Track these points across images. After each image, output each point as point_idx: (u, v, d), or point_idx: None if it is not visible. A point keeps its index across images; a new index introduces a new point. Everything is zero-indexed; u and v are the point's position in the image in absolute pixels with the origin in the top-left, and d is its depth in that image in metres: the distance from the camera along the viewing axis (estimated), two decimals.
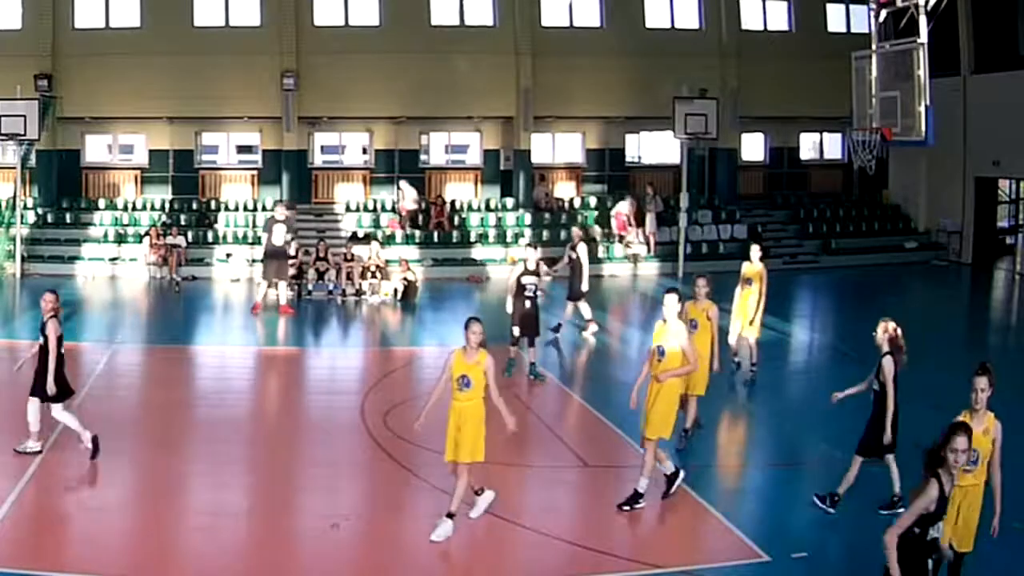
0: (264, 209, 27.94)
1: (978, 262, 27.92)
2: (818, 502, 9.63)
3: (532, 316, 14.66)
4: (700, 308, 11.87)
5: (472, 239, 27.26)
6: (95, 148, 29.06)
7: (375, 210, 28.14)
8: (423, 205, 27.72)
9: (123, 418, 12.93)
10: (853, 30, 29.56)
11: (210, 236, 26.53)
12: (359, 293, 22.67)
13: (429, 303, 22.36)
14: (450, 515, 8.93)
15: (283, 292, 20.44)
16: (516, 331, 14.64)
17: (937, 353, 17.64)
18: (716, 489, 10.35)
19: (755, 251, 15.09)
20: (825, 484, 10.85)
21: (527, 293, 14.52)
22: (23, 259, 24.66)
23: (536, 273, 14.63)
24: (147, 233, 25.59)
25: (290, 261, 21.27)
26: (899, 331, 9.32)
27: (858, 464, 9.46)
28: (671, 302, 9.71)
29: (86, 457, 10.78)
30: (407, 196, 27.48)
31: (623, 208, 27.44)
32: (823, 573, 8.40)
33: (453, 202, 28.60)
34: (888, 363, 9.24)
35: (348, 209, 28.10)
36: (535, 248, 15.20)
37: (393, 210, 28.11)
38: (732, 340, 14.96)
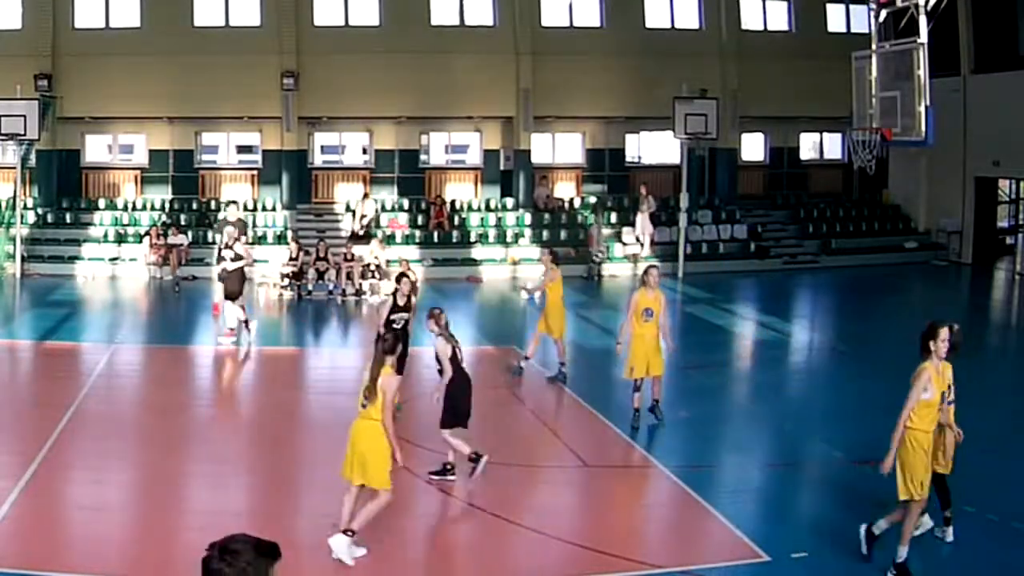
0: (264, 209, 27.99)
1: (978, 262, 27.91)
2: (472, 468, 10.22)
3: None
4: (653, 297, 12.46)
5: (472, 239, 27.26)
6: (95, 148, 29.06)
7: (376, 212, 28.11)
8: (376, 214, 27.40)
9: (123, 418, 12.95)
10: (853, 30, 29.54)
11: (210, 236, 26.50)
12: (359, 293, 22.68)
13: (429, 303, 22.33)
14: (347, 532, 8.48)
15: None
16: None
17: None
18: (716, 489, 10.35)
19: (544, 255, 15.45)
20: (824, 483, 10.87)
21: (395, 327, 12.31)
22: (23, 259, 24.65)
23: (407, 309, 12.76)
24: (147, 233, 25.60)
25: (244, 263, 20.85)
26: (444, 315, 10.52)
27: (446, 436, 10.30)
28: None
29: (86, 457, 10.78)
30: (367, 208, 27.10)
31: (593, 230, 27.05)
32: (823, 573, 8.39)
33: (453, 202, 28.60)
34: (441, 344, 10.38)
35: (348, 209, 28.11)
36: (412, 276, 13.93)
37: (392, 210, 28.18)
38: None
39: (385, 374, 8.35)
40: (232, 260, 17.32)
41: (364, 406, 8.38)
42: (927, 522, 8.66)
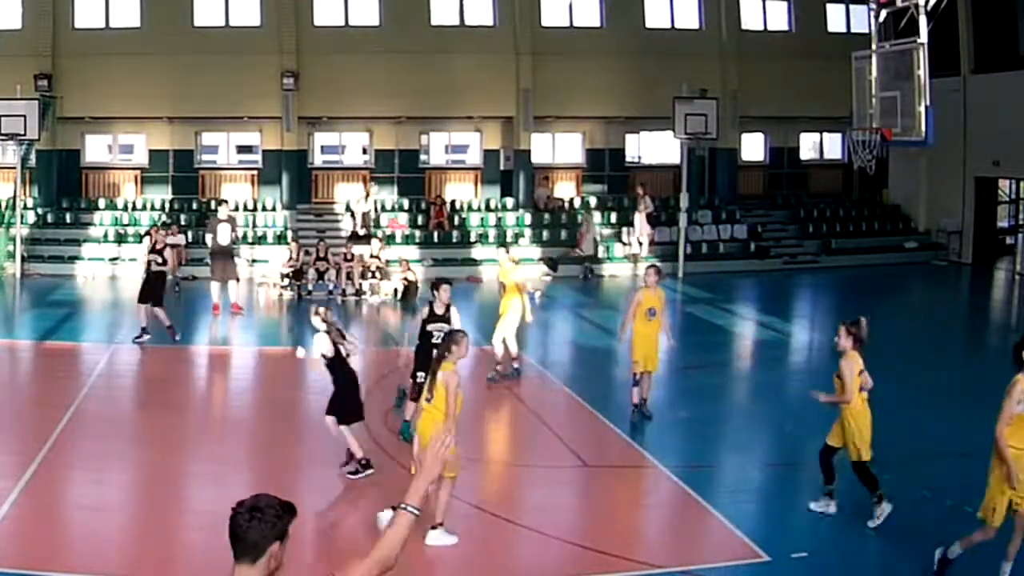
0: (264, 209, 27.99)
1: (978, 262, 27.91)
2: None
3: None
4: (655, 295, 12.79)
5: (472, 239, 27.26)
6: (95, 148, 29.06)
7: (375, 210, 28.09)
8: (377, 213, 27.27)
9: (123, 418, 12.96)
10: (853, 30, 29.54)
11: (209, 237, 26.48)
12: (359, 293, 22.68)
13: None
14: (434, 526, 8.81)
15: (233, 291, 20.10)
16: (420, 376, 11.10)
17: (937, 353, 17.67)
18: (716, 489, 10.35)
19: (501, 254, 15.40)
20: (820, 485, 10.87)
21: (433, 340, 11.12)
22: (23, 259, 24.65)
23: (446, 319, 11.65)
24: (147, 233, 25.55)
25: (236, 259, 20.92)
26: (331, 313, 10.88)
27: (331, 422, 10.61)
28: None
29: (86, 457, 10.78)
30: (368, 206, 26.96)
31: (583, 228, 27.05)
32: (823, 573, 8.40)
33: (453, 202, 28.60)
34: (324, 341, 10.69)
35: (347, 209, 28.09)
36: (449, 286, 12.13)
37: (392, 210, 28.18)
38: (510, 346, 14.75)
39: (446, 369, 8.69)
40: (159, 264, 17.34)
41: (428, 400, 8.79)
42: (833, 509, 9.37)
